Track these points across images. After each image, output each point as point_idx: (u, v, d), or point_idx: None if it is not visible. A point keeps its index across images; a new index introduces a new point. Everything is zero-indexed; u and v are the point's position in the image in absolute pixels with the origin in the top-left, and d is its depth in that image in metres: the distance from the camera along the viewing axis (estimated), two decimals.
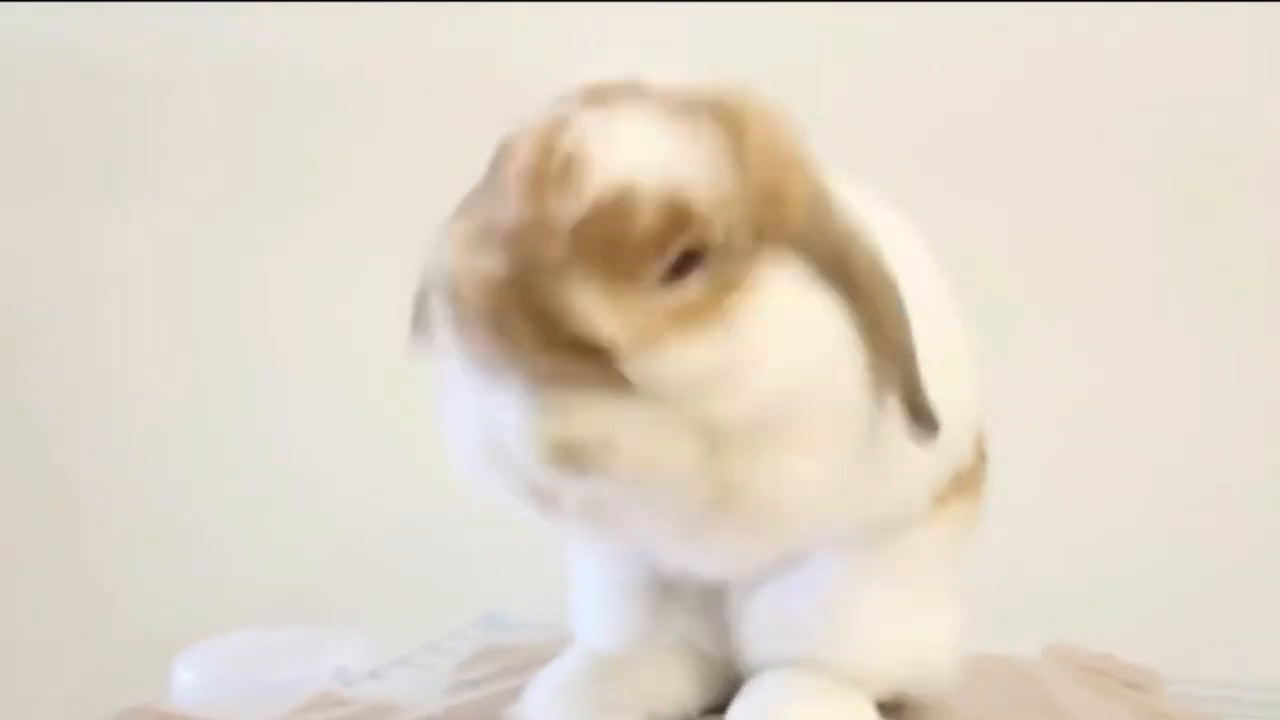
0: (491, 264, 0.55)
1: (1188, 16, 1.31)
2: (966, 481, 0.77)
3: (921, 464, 0.68)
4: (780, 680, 0.71)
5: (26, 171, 1.71)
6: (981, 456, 0.79)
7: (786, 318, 0.59)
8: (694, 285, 0.57)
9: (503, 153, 0.61)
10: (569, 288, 0.54)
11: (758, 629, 0.73)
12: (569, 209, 0.55)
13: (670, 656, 0.75)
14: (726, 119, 0.60)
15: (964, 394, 0.72)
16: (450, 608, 1.22)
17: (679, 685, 0.75)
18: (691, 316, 0.56)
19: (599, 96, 0.60)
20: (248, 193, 1.62)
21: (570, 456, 0.56)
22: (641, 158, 0.57)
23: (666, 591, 0.75)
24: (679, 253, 0.56)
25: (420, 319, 0.66)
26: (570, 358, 0.55)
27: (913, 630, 0.74)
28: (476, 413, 0.61)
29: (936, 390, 0.64)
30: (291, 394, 1.61)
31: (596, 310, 0.54)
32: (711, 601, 0.75)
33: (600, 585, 0.78)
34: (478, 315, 0.55)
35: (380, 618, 1.41)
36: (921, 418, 0.62)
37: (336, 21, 1.56)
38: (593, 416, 0.56)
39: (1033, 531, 1.30)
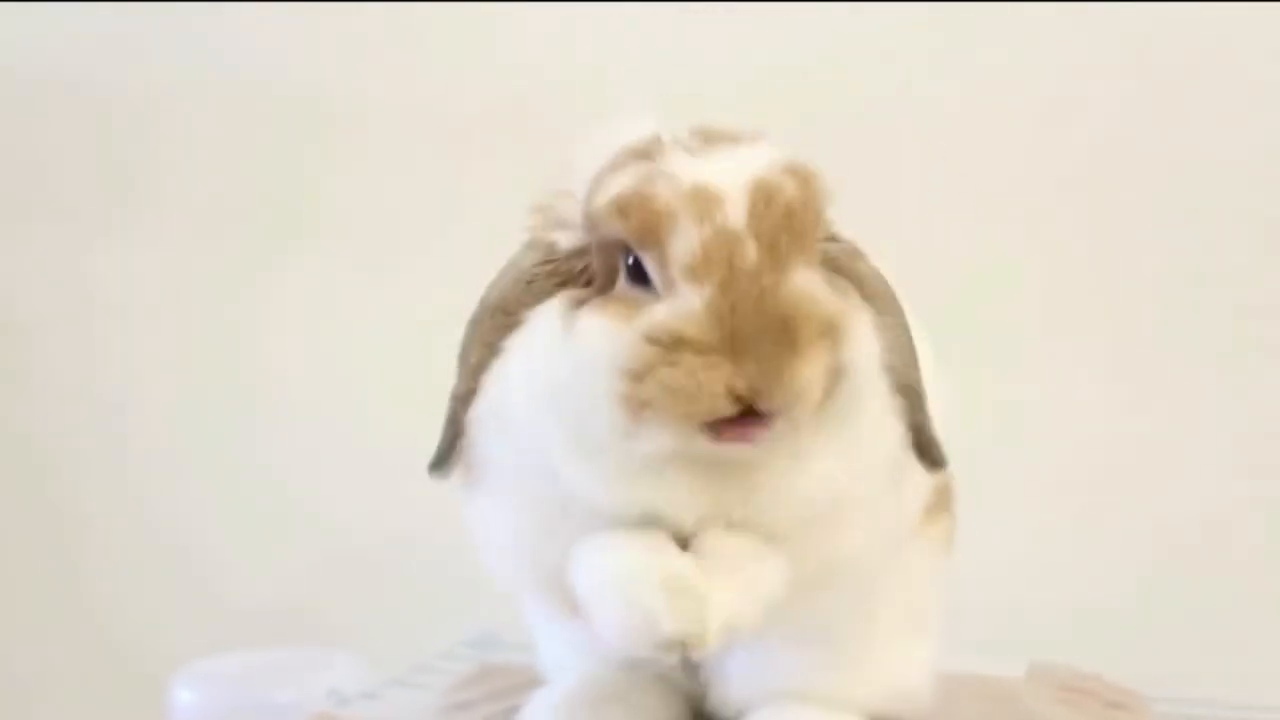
0: (698, 297, 0.55)
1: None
2: (945, 497, 0.78)
3: (921, 476, 0.70)
4: (779, 714, 0.71)
5: (27, 197, 1.72)
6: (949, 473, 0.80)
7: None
8: (827, 273, 0.61)
9: (610, 224, 0.60)
10: (789, 280, 0.56)
11: (745, 662, 0.72)
12: (736, 215, 0.57)
13: (654, 687, 0.76)
14: (758, 141, 0.64)
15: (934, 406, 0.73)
16: (444, 627, 1.23)
17: (666, 713, 0.76)
18: (848, 296, 0.61)
19: (645, 151, 0.62)
20: (249, 217, 1.63)
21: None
22: (741, 162, 0.60)
23: None
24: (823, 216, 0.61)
25: (453, 450, 0.65)
26: (811, 357, 0.55)
27: (899, 655, 0.75)
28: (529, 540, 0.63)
29: None
30: (285, 416, 1.62)
31: (817, 292, 0.57)
32: None
33: (573, 633, 0.78)
34: (712, 349, 0.55)
35: (374, 637, 1.41)
36: (932, 449, 0.65)
37: (340, 48, 1.58)
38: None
39: (1020, 551, 1.31)
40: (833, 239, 0.65)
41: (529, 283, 0.63)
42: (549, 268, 0.63)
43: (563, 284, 0.62)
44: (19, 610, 1.74)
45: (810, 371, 0.55)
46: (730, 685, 0.73)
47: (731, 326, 0.54)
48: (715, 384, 0.54)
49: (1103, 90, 1.35)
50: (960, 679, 0.82)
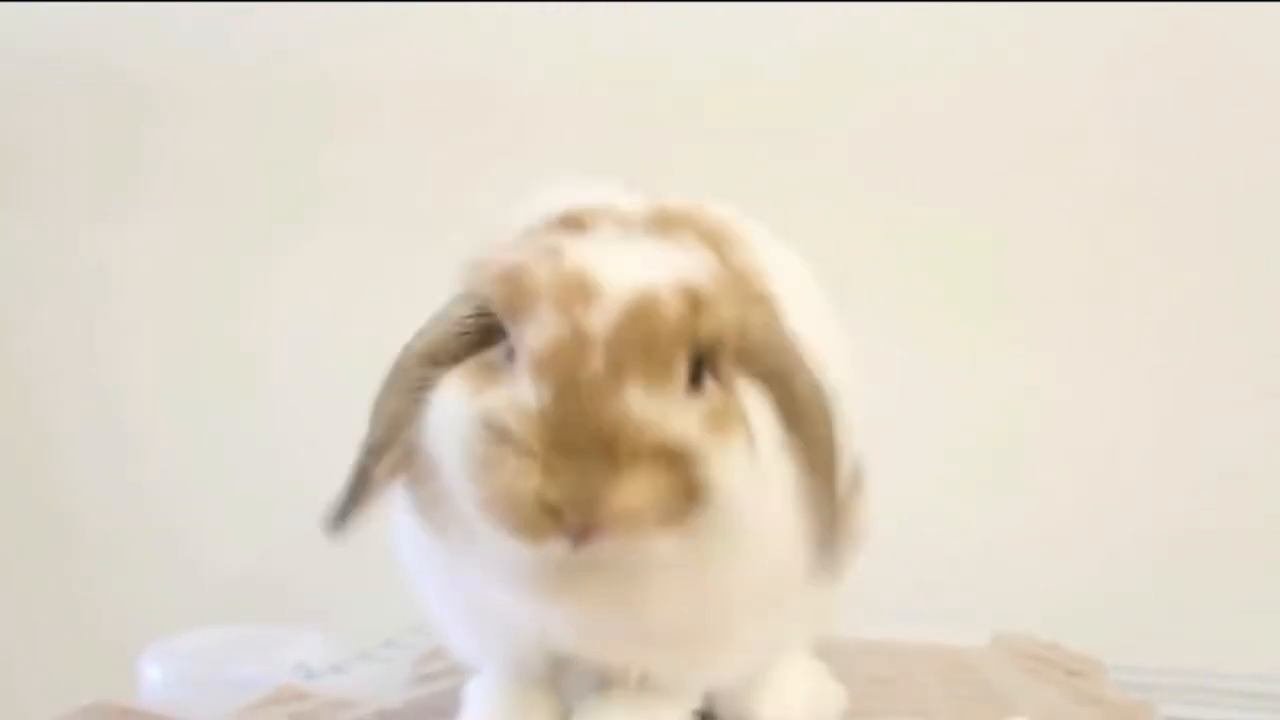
0: (534, 394, 0.53)
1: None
2: (857, 479, 0.78)
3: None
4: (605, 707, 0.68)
5: (29, 179, 1.71)
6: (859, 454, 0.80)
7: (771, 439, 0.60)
8: (713, 394, 0.57)
9: (489, 288, 0.59)
10: (623, 397, 0.53)
11: None
12: (600, 320, 0.54)
13: None
14: (706, 236, 0.62)
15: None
16: (411, 603, 1.23)
17: None
18: (727, 420, 0.56)
19: (577, 221, 0.61)
20: (251, 199, 1.62)
21: None
22: (646, 263, 0.57)
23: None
24: (701, 347, 0.56)
25: (357, 506, 0.65)
26: (636, 476, 0.52)
27: (816, 667, 0.76)
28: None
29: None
30: (267, 395, 1.62)
31: (654, 413, 0.53)
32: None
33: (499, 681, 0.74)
34: (531, 452, 0.53)
35: (341, 612, 1.41)
36: (830, 559, 0.62)
37: (341, 31, 1.57)
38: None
39: (985, 522, 1.32)
40: (770, 351, 0.61)
41: (462, 334, 0.60)
42: (485, 321, 0.60)
43: (494, 339, 0.59)
44: None
45: (632, 492, 0.52)
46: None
47: (557, 434, 0.52)
48: (525, 493, 0.52)
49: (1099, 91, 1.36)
50: (923, 648, 0.83)
